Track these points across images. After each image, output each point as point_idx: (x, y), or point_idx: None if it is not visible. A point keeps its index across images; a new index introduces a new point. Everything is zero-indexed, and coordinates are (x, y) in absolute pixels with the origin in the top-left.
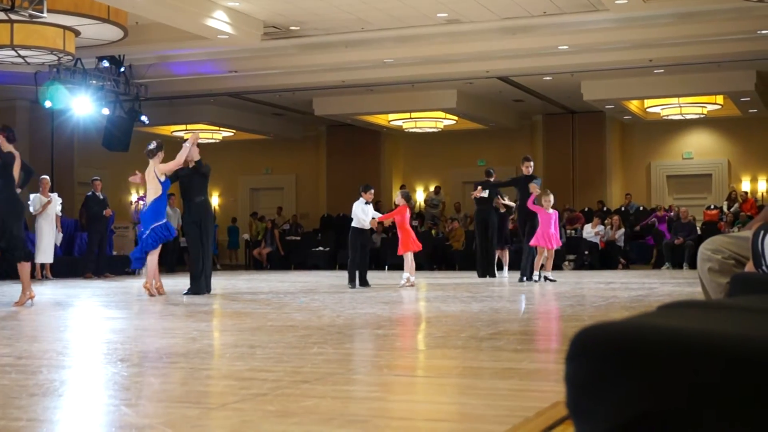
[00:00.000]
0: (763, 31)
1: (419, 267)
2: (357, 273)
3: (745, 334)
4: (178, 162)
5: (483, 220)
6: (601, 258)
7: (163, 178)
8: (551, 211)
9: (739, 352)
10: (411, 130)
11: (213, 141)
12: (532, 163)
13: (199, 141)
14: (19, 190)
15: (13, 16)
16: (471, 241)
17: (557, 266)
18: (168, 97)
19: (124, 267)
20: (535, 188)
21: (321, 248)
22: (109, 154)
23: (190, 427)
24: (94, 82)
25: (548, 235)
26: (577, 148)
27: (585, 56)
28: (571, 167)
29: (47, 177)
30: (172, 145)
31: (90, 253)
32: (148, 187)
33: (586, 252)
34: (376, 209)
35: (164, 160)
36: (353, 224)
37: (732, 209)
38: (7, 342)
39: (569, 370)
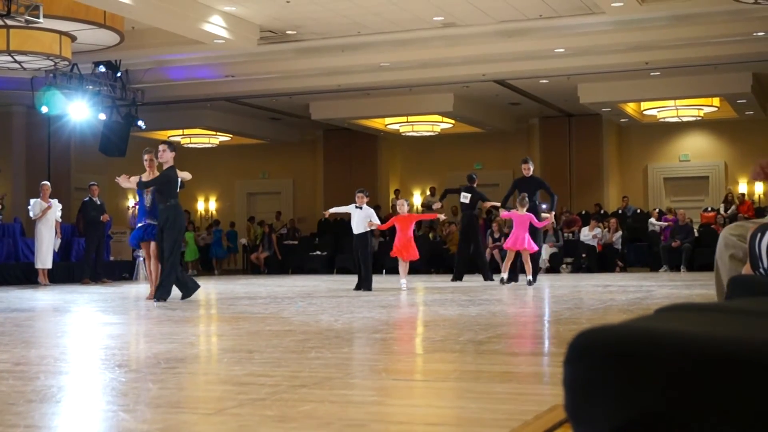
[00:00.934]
0: (759, 33)
1: (416, 270)
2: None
3: (742, 337)
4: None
5: (464, 225)
6: (599, 261)
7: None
8: (524, 213)
9: (736, 355)
10: (408, 134)
11: (210, 146)
12: (531, 165)
13: (197, 146)
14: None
15: (9, 22)
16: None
17: (554, 269)
18: (165, 101)
19: (121, 272)
20: (547, 218)
21: (318, 252)
22: (105, 159)
23: None
24: (90, 87)
25: (522, 238)
26: (574, 151)
27: (581, 59)
28: (568, 170)
29: (47, 183)
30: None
31: (87, 259)
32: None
33: (584, 255)
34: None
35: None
36: (354, 231)
37: (729, 211)
38: (4, 348)
39: (567, 373)
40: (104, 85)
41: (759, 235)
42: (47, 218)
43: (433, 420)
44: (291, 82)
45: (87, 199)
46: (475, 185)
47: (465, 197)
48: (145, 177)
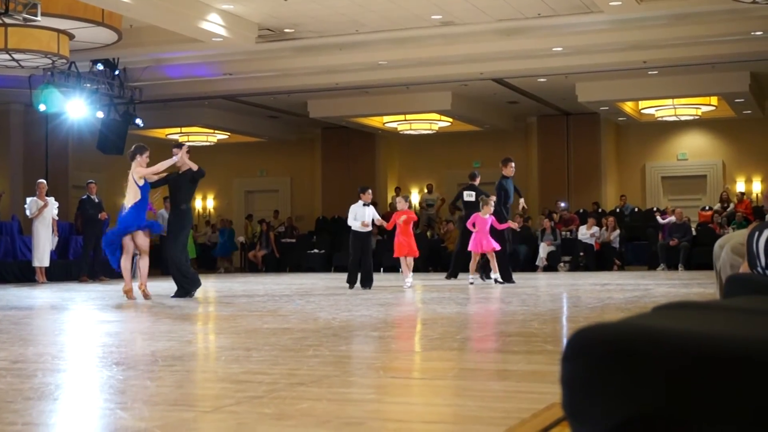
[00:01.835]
0: (757, 33)
1: (416, 269)
2: (358, 274)
3: (740, 335)
4: (157, 170)
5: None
6: (597, 259)
7: (141, 183)
8: (487, 216)
9: (734, 353)
10: (406, 132)
11: (208, 144)
12: (511, 165)
13: (194, 144)
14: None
15: (7, 20)
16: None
17: (552, 267)
18: (162, 100)
19: (119, 270)
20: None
21: (316, 250)
22: (103, 157)
23: (186, 430)
24: (88, 85)
25: (485, 239)
26: (572, 150)
27: (579, 58)
28: (566, 169)
29: (44, 181)
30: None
31: (85, 257)
32: (127, 191)
33: (582, 253)
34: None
35: (152, 163)
36: (352, 228)
37: (727, 210)
38: (2, 346)
39: (565, 371)
40: (102, 83)
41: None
42: (44, 216)
43: (430, 418)
44: (289, 80)
45: (85, 197)
46: (477, 182)
47: (470, 195)
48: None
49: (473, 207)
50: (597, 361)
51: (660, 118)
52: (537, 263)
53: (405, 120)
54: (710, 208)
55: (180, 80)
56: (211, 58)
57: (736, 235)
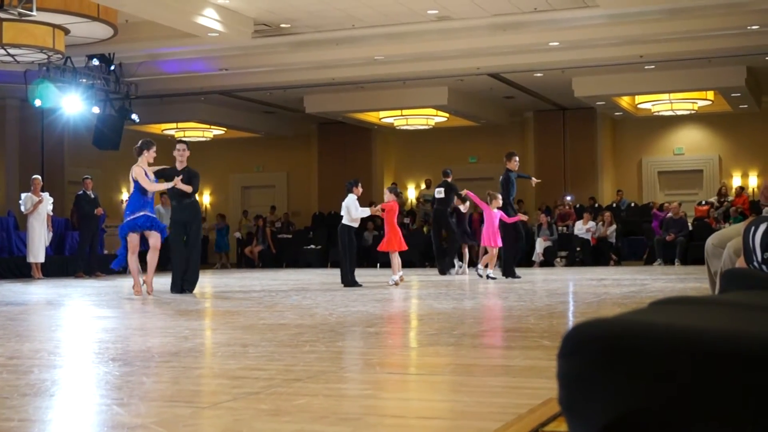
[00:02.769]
0: (754, 27)
1: (412, 264)
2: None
3: (736, 331)
4: (153, 188)
5: (437, 219)
6: (593, 254)
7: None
8: (495, 211)
9: (730, 349)
10: (402, 128)
11: (204, 139)
12: (515, 159)
13: (190, 140)
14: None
15: (3, 15)
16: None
17: (548, 263)
18: (158, 95)
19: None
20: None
21: (313, 246)
22: (99, 152)
23: (183, 426)
24: (84, 80)
25: (494, 233)
26: (568, 145)
27: (576, 53)
28: (563, 164)
29: (38, 176)
30: (162, 144)
31: (81, 252)
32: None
33: (578, 248)
34: (369, 206)
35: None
36: (344, 222)
37: (723, 204)
38: None
39: (561, 367)
40: (98, 78)
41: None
42: (39, 212)
43: (427, 413)
44: (285, 75)
45: (81, 192)
46: (449, 179)
47: (439, 192)
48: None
49: (443, 204)
50: (593, 357)
51: (656, 113)
52: (533, 258)
53: (401, 115)
54: (707, 203)
55: (176, 75)
56: (206, 54)
57: (732, 232)
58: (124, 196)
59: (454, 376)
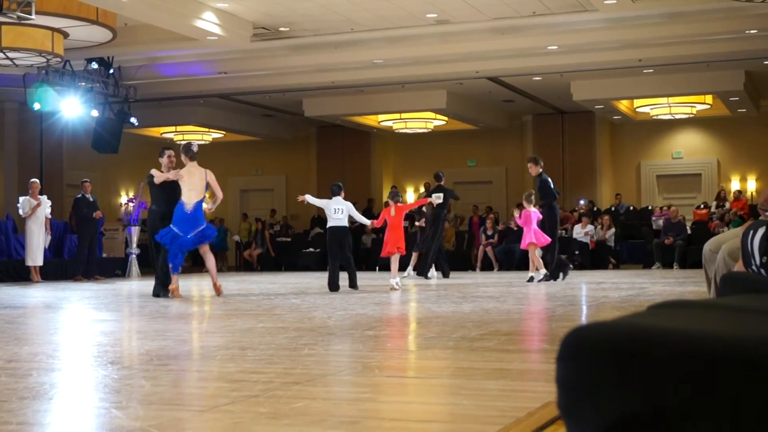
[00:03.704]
0: (752, 31)
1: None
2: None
3: (735, 334)
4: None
5: (437, 223)
6: (592, 258)
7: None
8: (534, 210)
9: (728, 352)
10: (401, 131)
11: (203, 142)
12: (530, 165)
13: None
14: None
15: (2, 18)
16: (461, 241)
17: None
18: (157, 98)
19: (114, 269)
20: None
21: (311, 249)
22: (98, 156)
23: (181, 429)
24: (82, 83)
25: (537, 231)
26: (567, 149)
27: (574, 56)
28: (561, 168)
29: (37, 180)
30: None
31: (80, 256)
32: (199, 190)
33: (577, 252)
34: (368, 209)
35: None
36: (335, 224)
37: (723, 208)
38: None
39: (560, 370)
40: (97, 81)
41: (751, 232)
42: (37, 215)
43: (425, 417)
44: (284, 78)
45: (80, 195)
46: (443, 183)
47: (438, 197)
48: (171, 175)
49: (441, 208)
50: (592, 361)
51: (655, 117)
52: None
53: (400, 119)
54: (705, 207)
55: (175, 79)
56: (205, 57)
57: (728, 237)
58: (123, 199)
59: (453, 380)
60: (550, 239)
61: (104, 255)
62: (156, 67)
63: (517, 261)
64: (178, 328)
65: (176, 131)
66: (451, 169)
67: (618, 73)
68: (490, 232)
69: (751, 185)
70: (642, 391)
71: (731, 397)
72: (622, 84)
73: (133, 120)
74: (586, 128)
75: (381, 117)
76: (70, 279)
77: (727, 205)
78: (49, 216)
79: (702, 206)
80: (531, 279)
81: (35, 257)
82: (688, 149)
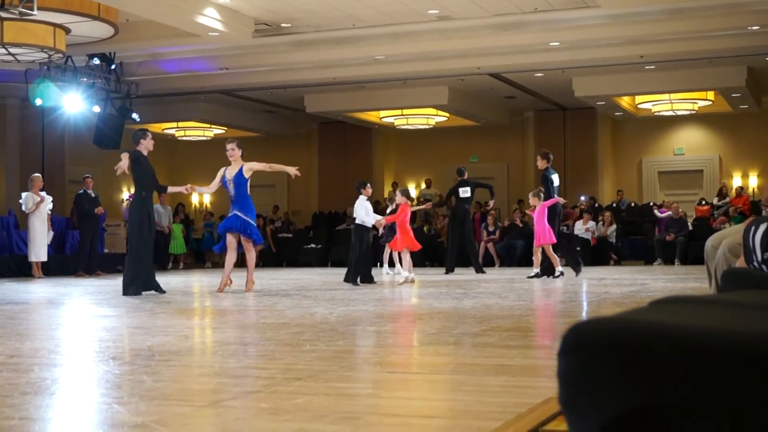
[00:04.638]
0: (754, 27)
1: (413, 263)
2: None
3: (736, 330)
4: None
5: (461, 218)
6: (593, 254)
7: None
8: (539, 206)
9: (730, 348)
10: (402, 127)
11: (204, 138)
12: (538, 157)
13: (191, 139)
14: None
15: (3, 14)
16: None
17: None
18: (159, 94)
19: (116, 265)
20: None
21: (313, 245)
22: (100, 151)
23: (183, 424)
24: (84, 79)
25: (548, 229)
26: (569, 145)
27: (576, 53)
28: (563, 164)
29: (39, 175)
30: (162, 143)
31: (82, 251)
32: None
33: (578, 248)
34: (374, 208)
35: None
36: (357, 222)
37: (724, 204)
38: None
39: (561, 366)
40: (98, 77)
41: (753, 228)
42: (40, 211)
43: (427, 412)
44: (285, 74)
45: (81, 191)
46: (466, 177)
47: (465, 192)
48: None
49: (468, 203)
50: (593, 356)
51: (657, 113)
52: (533, 258)
53: (402, 115)
54: (707, 203)
55: (176, 75)
56: (207, 53)
57: (730, 233)
58: (125, 195)
59: (455, 375)
60: (555, 239)
61: (106, 251)
62: (158, 62)
63: (518, 257)
64: (179, 324)
65: (177, 127)
66: (453, 165)
67: (620, 69)
68: (491, 228)
69: (753, 182)
70: (643, 387)
71: (732, 393)
72: (624, 80)
73: (134, 116)
74: (588, 124)
75: (382, 113)
76: (71, 275)
77: (727, 200)
78: (50, 212)
79: (703, 202)
80: (537, 275)
81: (38, 253)
82: (690, 145)
